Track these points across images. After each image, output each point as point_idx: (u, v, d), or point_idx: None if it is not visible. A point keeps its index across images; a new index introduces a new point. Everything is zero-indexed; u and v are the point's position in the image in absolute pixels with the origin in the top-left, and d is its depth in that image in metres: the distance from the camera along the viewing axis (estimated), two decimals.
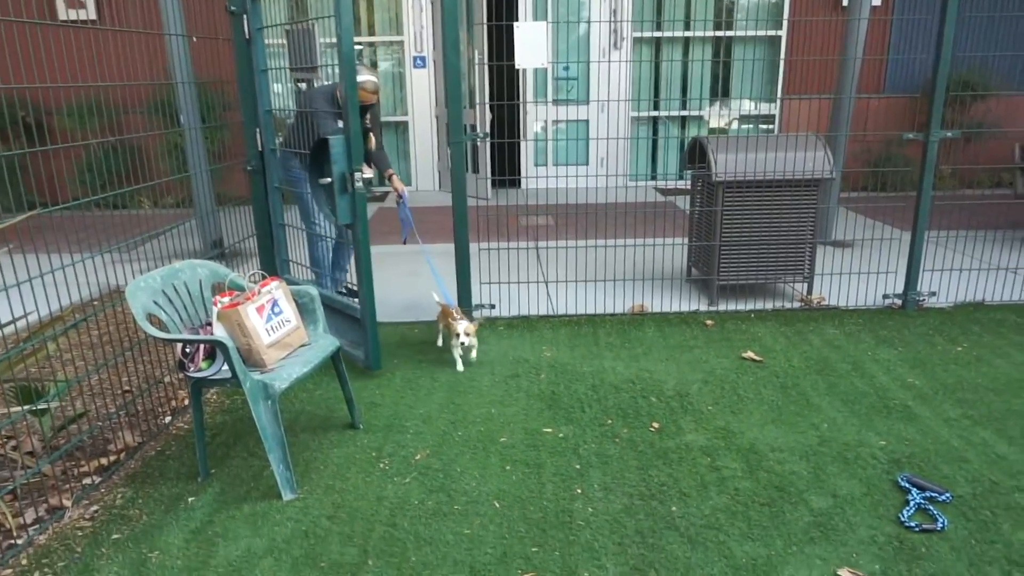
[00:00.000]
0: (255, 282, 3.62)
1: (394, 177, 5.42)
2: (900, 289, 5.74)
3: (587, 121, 10.87)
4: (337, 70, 4.76)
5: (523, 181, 11.07)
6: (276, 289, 3.58)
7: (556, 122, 10.90)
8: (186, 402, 4.32)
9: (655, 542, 2.99)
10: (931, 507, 3.17)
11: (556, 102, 10.82)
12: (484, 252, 6.83)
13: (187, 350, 3.40)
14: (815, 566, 2.84)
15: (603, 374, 4.58)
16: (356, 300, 4.53)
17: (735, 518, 3.14)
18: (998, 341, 5.01)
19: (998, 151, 10.48)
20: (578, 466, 3.56)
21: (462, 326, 4.52)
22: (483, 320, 5.45)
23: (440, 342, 5.01)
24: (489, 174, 10.01)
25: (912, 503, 3.19)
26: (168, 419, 4.14)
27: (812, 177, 5.47)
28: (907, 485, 3.33)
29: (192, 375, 3.37)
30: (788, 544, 2.97)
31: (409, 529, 3.10)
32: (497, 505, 3.26)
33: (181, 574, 2.85)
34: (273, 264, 5.24)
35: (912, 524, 3.07)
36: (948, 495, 3.26)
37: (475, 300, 5.54)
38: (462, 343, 4.55)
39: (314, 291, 3.87)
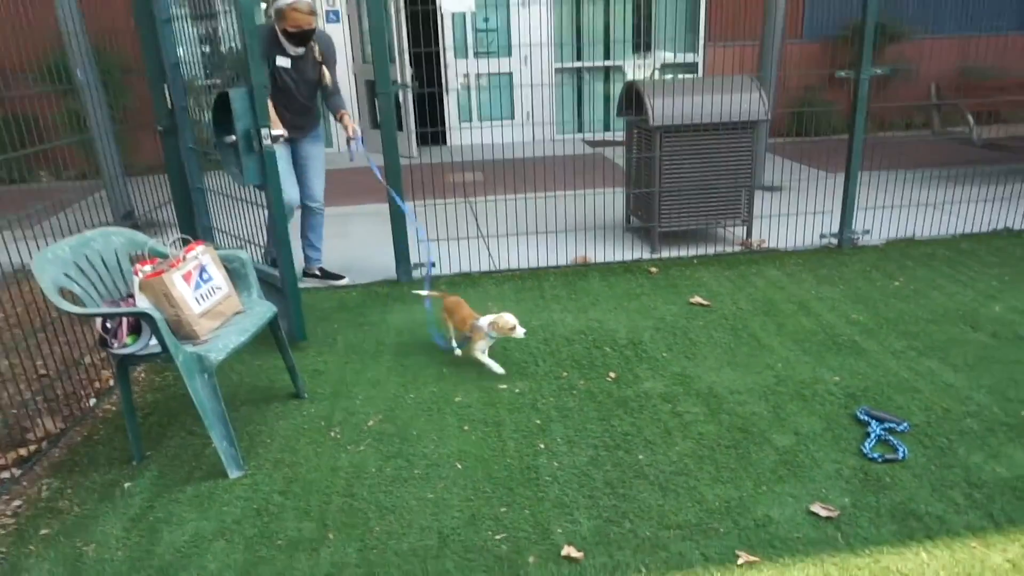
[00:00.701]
0: (178, 249, 3.33)
1: (345, 116, 4.93)
2: (835, 229, 5.81)
3: (510, 74, 10.63)
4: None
5: (448, 137, 10.78)
6: (203, 254, 3.30)
7: (479, 75, 10.62)
8: (111, 382, 4.00)
9: (626, 492, 2.92)
10: (891, 438, 3.19)
11: (478, 55, 10.53)
12: (418, 209, 6.59)
13: (108, 325, 3.10)
14: (787, 504, 2.82)
15: (553, 327, 4.46)
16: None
17: (703, 462, 3.09)
18: (931, 274, 5.12)
19: (909, 94, 10.76)
20: (538, 421, 3.45)
21: (510, 321, 3.73)
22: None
23: (454, 345, 4.14)
24: (414, 128, 9.67)
25: (872, 435, 3.20)
26: (93, 402, 3.82)
27: (748, 119, 5.43)
28: (866, 418, 3.34)
29: (117, 352, 3.08)
30: (758, 484, 2.94)
31: (369, 498, 2.93)
32: (459, 467, 3.12)
33: (123, 566, 2.61)
34: (195, 233, 4.89)
35: (875, 456, 3.08)
36: (906, 425, 3.29)
37: (413, 259, 5.33)
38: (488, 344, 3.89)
39: (244, 255, 3.60)
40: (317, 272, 5.36)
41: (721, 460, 3.11)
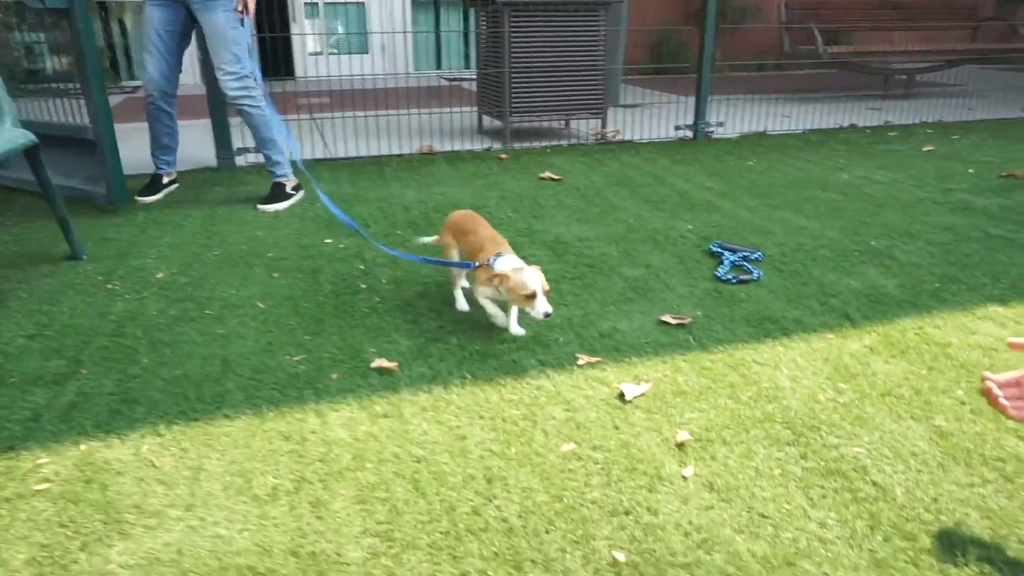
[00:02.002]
0: None
1: None
2: (690, 122, 5.65)
3: (363, 3, 10.01)
4: None
5: (296, 71, 10.04)
6: None
7: (328, 3, 9.93)
8: None
9: (453, 316, 2.52)
10: (745, 264, 2.96)
11: None
12: None
13: None
14: (635, 317, 2.51)
15: (390, 199, 4.01)
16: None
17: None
18: (783, 156, 5.04)
19: (760, 40, 11.00)
20: (362, 267, 3.00)
21: (528, 284, 2.20)
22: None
23: (492, 311, 2.45)
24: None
25: (727, 261, 2.96)
26: None
27: (599, 0, 5.16)
28: (720, 250, 3.10)
29: None
30: (604, 305, 2.62)
31: (142, 336, 2.39)
32: (261, 305, 2.63)
33: None
34: None
35: (729, 277, 2.84)
36: (760, 253, 3.08)
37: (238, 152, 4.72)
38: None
39: None
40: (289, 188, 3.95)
41: (566, 289, 2.77)
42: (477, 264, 2.39)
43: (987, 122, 6.42)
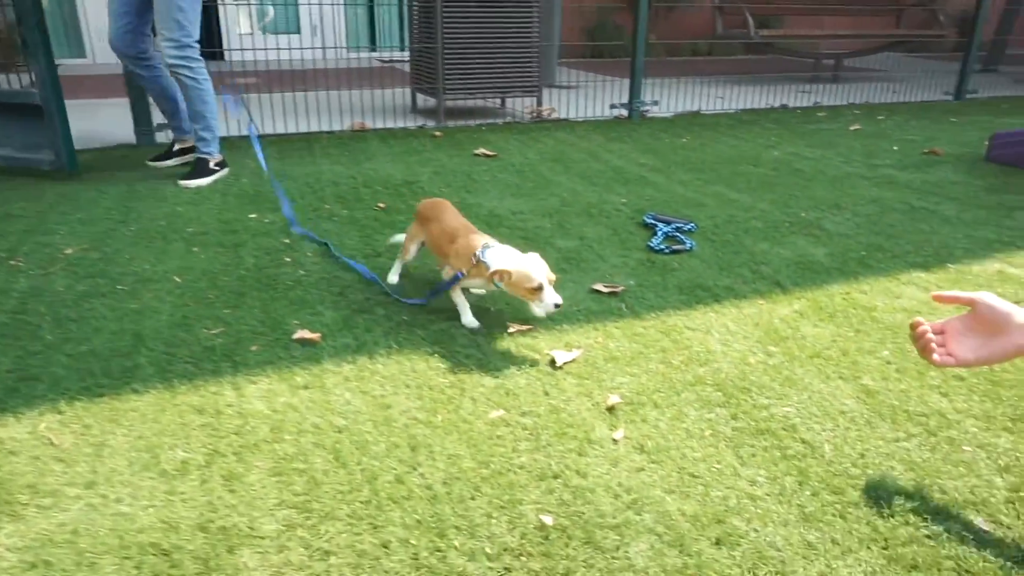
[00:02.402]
0: None
1: None
2: (625, 100, 5.65)
3: None
4: None
5: (226, 53, 9.69)
6: None
7: None
8: None
9: (380, 287, 2.44)
10: (678, 235, 2.95)
11: None
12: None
13: None
14: (567, 286, 2.47)
15: (319, 174, 3.89)
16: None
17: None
18: (716, 134, 5.08)
19: (694, 23, 11.10)
20: (287, 241, 2.89)
21: (533, 276, 1.97)
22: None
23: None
24: None
25: (660, 232, 2.95)
26: None
27: None
28: (653, 222, 3.09)
29: None
30: None
31: (46, 312, 2.24)
32: (178, 280, 2.49)
33: None
34: None
35: (662, 247, 2.82)
36: (693, 224, 3.08)
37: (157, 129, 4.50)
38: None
39: None
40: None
41: None
42: (464, 273, 2.09)
43: (910, 104, 6.61)
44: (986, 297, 1.37)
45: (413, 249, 2.44)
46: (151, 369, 1.91)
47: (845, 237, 3.00)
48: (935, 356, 1.37)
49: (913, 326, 1.42)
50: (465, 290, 2.25)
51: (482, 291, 2.29)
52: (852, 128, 5.34)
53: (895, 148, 4.69)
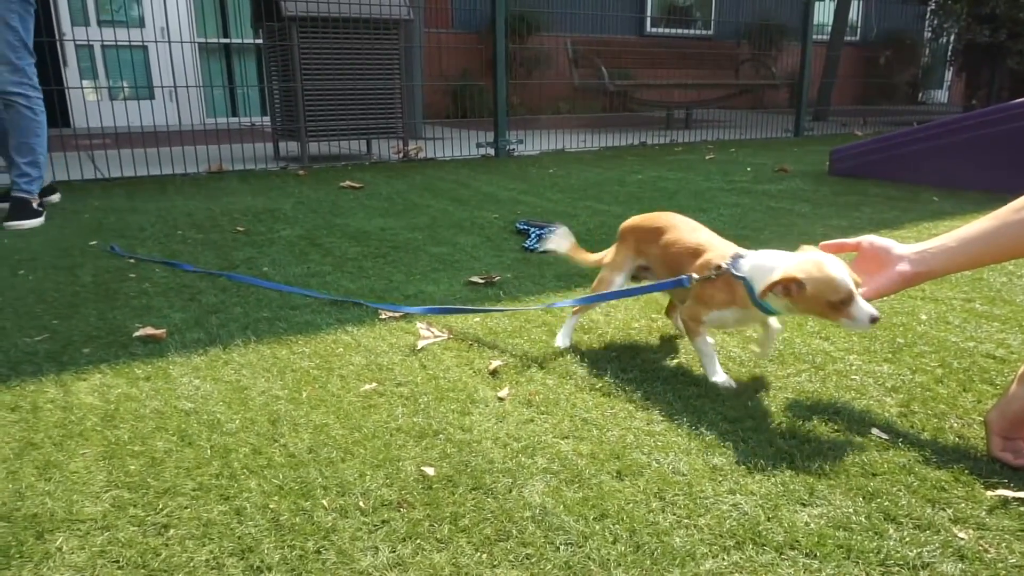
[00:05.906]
0: None
1: None
2: (491, 139, 5.70)
3: (144, 47, 9.38)
4: None
5: (72, 119, 9.14)
6: None
7: (106, 46, 9.21)
8: None
9: (243, 291, 2.23)
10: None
11: (102, 23, 9.14)
12: None
13: None
14: (442, 282, 2.36)
15: (172, 210, 3.62)
16: None
17: (342, 268, 2.53)
18: (582, 166, 5.18)
19: (552, 89, 11.55)
20: (132, 262, 2.62)
21: (846, 273, 1.38)
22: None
23: (708, 356, 1.64)
24: None
25: (534, 235, 2.89)
26: None
27: (391, 17, 5.10)
28: (526, 227, 3.04)
29: None
30: (409, 276, 2.44)
31: None
32: None
33: None
34: None
35: (537, 247, 2.76)
36: (566, 229, 3.04)
37: None
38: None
39: None
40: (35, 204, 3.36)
41: (368, 265, 2.57)
42: (696, 277, 1.56)
43: (757, 140, 7.05)
44: (868, 237, 1.46)
45: (619, 281, 1.78)
46: None
47: (713, 230, 3.04)
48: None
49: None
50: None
51: (745, 325, 1.64)
52: (708, 157, 5.60)
53: (748, 169, 4.93)
